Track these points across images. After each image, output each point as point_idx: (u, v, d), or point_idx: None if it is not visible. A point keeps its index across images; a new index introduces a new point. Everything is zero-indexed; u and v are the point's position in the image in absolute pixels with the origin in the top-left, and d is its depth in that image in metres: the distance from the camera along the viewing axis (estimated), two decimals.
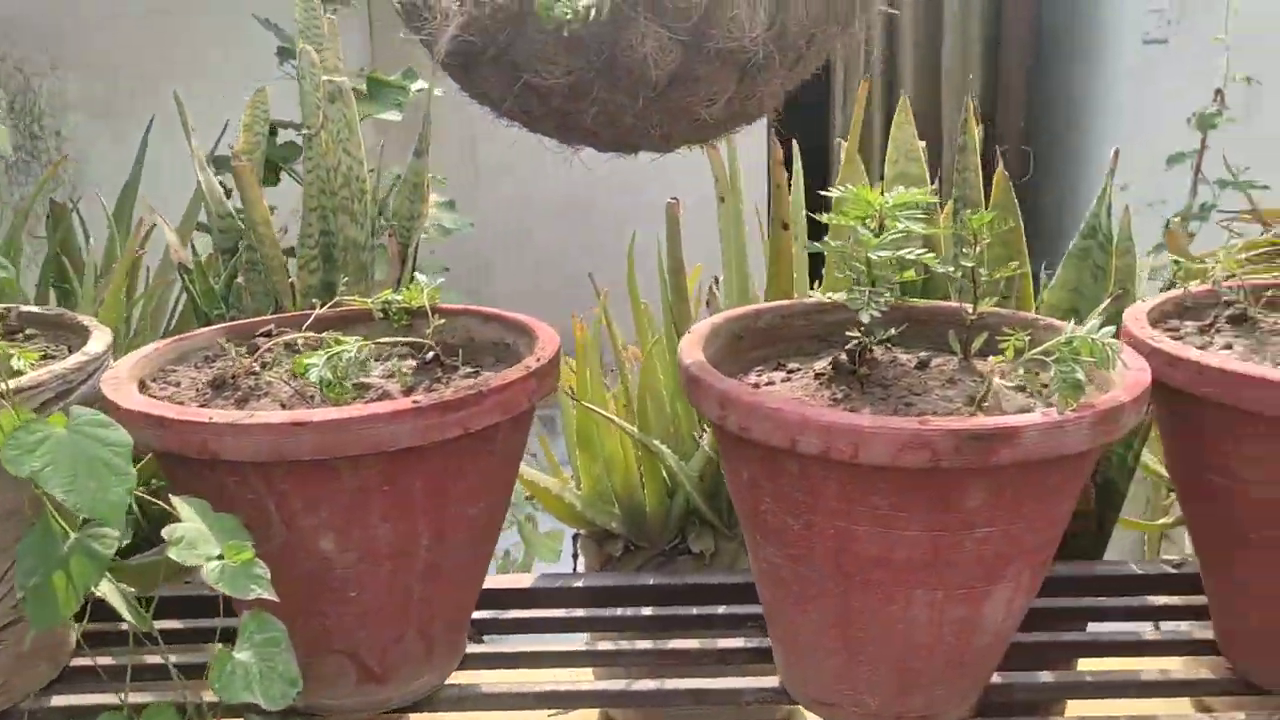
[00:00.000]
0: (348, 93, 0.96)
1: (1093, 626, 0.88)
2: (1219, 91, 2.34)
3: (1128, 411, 0.59)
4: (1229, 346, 0.71)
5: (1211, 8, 2.58)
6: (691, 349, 0.68)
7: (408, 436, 0.61)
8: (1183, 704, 0.83)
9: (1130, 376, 0.62)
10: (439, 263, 2.38)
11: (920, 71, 4.21)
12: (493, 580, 0.90)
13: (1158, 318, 0.77)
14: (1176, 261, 0.86)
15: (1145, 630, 0.81)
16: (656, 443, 0.90)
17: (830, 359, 0.68)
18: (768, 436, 0.60)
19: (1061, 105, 3.79)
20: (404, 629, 0.69)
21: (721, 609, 0.85)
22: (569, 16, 0.47)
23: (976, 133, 0.89)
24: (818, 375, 0.69)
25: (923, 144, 0.99)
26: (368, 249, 1.00)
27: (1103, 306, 0.84)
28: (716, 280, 1.06)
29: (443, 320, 0.78)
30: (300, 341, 0.73)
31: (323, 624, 0.67)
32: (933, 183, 0.96)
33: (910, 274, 0.72)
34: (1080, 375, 0.57)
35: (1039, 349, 0.59)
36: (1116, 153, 0.90)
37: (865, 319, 0.63)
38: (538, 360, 0.68)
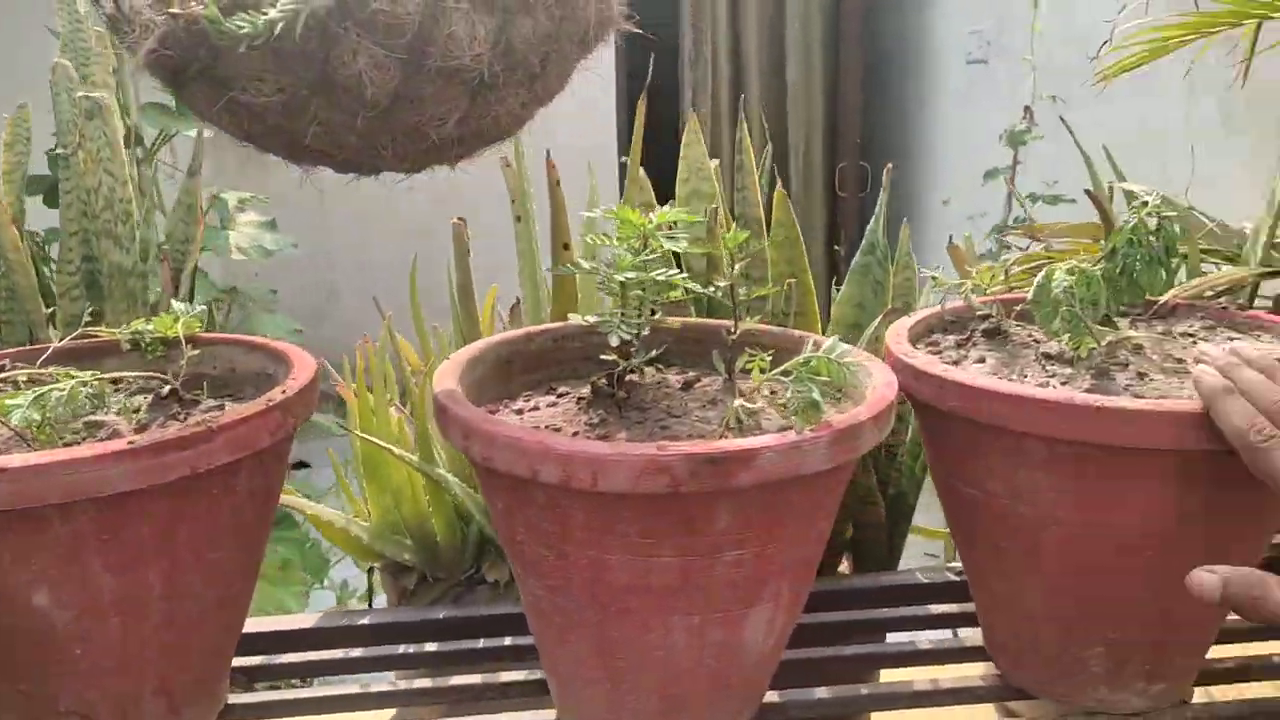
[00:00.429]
0: (109, 109, 0.90)
1: (892, 637, 0.89)
2: (1027, 109, 2.47)
3: (868, 429, 0.60)
4: (982, 360, 0.73)
5: (1026, 29, 2.72)
6: (444, 377, 0.66)
7: (124, 480, 0.56)
8: (987, 710, 0.84)
9: (875, 394, 0.63)
10: (265, 286, 2.29)
11: (767, 95, 4.32)
12: (270, 621, 0.85)
13: (921, 333, 0.79)
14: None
15: (921, 640, 0.82)
16: (440, 471, 0.87)
17: (590, 383, 0.67)
18: (510, 466, 0.58)
19: (896, 123, 3.93)
20: (142, 686, 0.64)
21: (509, 640, 0.82)
22: (245, 31, 0.44)
23: (752, 151, 0.90)
24: (578, 399, 0.68)
25: (715, 162, 0.99)
26: (136, 275, 0.94)
27: (876, 323, 0.86)
28: (518, 301, 1.04)
29: (198, 351, 0.74)
30: (25, 379, 0.68)
31: (46, 686, 0.62)
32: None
33: (676, 294, 0.72)
34: (816, 395, 0.57)
35: (779, 369, 0.59)
36: (889, 169, 0.92)
37: (614, 341, 0.62)
38: (283, 392, 0.65)
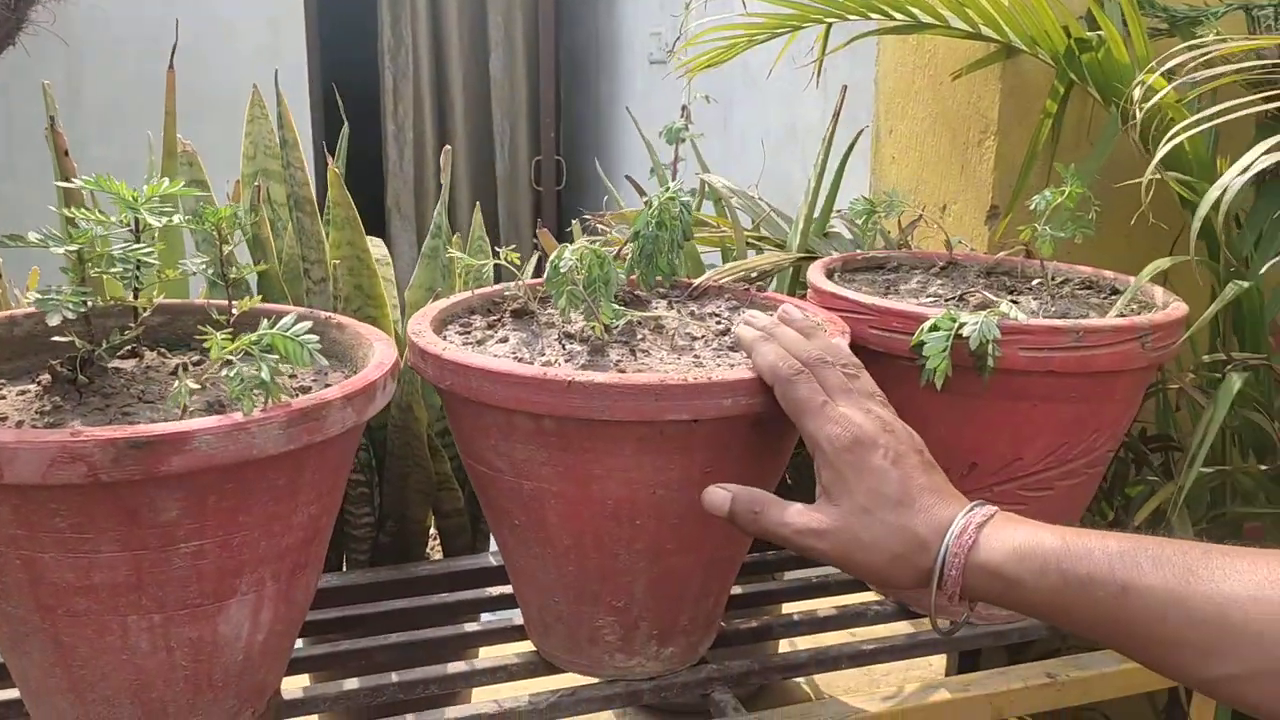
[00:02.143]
0: None
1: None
2: (685, 108, 2.58)
3: (335, 408, 0.58)
4: (505, 340, 0.73)
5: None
6: None
7: None
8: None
9: (361, 374, 0.62)
10: None
11: (469, 86, 4.29)
12: None
13: (456, 314, 0.78)
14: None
15: (469, 625, 0.82)
16: None
17: (48, 367, 0.61)
18: None
19: (590, 120, 4.01)
20: None
21: None
22: None
23: (295, 128, 0.86)
24: (40, 387, 0.62)
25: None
26: None
27: (429, 305, 0.84)
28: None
29: None
30: None
31: None
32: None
33: (171, 272, 0.67)
34: (265, 374, 0.54)
35: (235, 345, 0.56)
36: (448, 151, 0.91)
37: (54, 320, 0.57)
38: None
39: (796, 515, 0.61)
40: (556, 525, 0.68)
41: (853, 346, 0.70)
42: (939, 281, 0.89)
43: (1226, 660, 0.50)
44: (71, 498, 0.52)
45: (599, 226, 1.05)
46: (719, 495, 0.64)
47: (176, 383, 0.59)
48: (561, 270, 0.70)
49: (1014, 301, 0.80)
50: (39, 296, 0.57)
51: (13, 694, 0.70)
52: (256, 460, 0.55)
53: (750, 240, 1.02)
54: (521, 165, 4.23)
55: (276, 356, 0.55)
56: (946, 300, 0.83)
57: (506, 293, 0.79)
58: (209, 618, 0.59)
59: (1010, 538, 0.58)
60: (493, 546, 1.01)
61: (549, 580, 0.71)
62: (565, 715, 0.73)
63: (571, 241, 0.75)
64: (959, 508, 0.60)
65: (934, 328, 0.71)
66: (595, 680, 0.75)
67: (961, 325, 0.70)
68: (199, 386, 0.58)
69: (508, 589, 0.86)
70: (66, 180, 0.69)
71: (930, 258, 0.94)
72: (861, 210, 0.91)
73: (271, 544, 0.60)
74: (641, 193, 1.08)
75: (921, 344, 0.71)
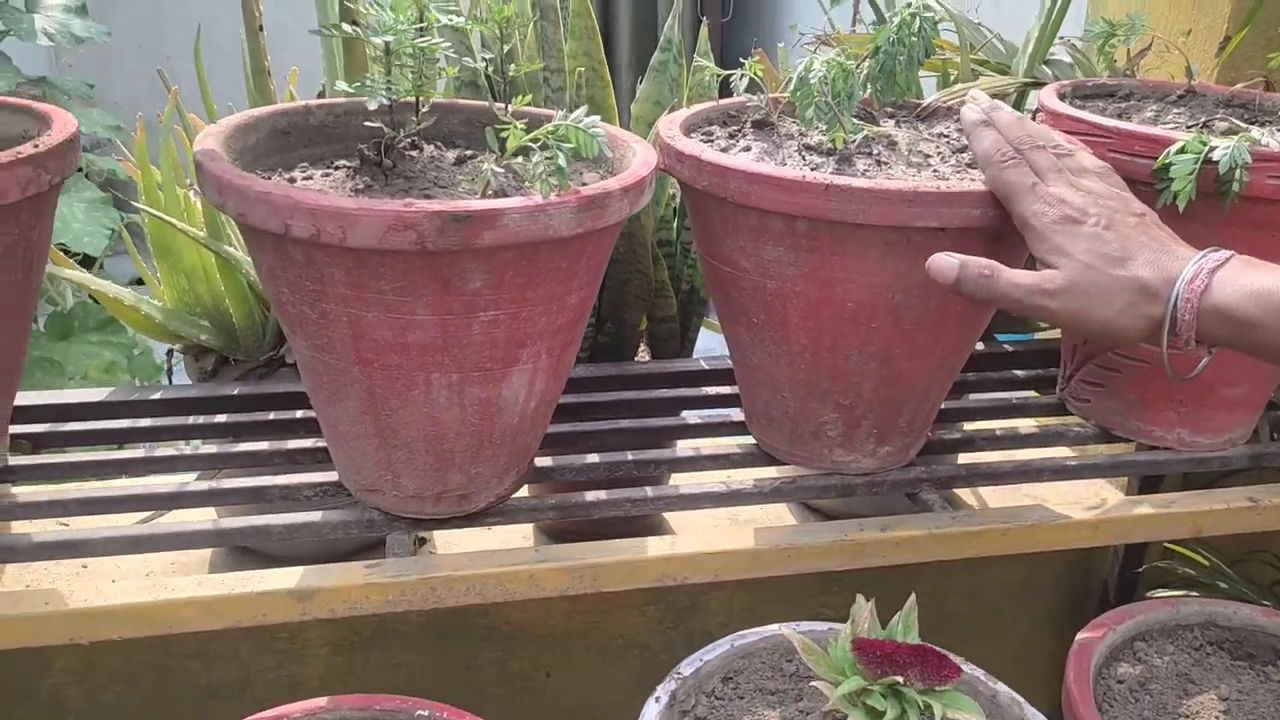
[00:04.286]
0: None
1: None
2: None
3: (615, 199, 0.63)
4: (748, 149, 0.77)
5: None
6: (206, 138, 0.66)
7: None
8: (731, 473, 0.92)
9: (630, 170, 0.66)
10: (81, 80, 2.15)
11: None
12: (58, 394, 0.86)
13: (698, 124, 0.82)
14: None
15: (691, 417, 0.89)
16: (229, 249, 0.87)
17: (358, 152, 0.68)
18: (264, 222, 0.59)
19: None
20: None
21: (299, 413, 0.85)
22: None
23: None
24: (349, 170, 0.69)
25: None
26: None
27: (664, 115, 0.88)
28: (324, 88, 1.02)
29: None
30: None
31: None
32: None
33: (453, 70, 0.72)
34: (562, 161, 0.60)
35: (529, 136, 0.62)
36: None
37: (372, 105, 0.63)
38: (35, 146, 0.64)
39: (1026, 277, 0.63)
40: (796, 324, 0.73)
41: None
42: (1175, 110, 0.88)
43: None
44: (398, 263, 0.60)
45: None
46: (947, 262, 0.64)
47: (479, 168, 0.65)
48: (811, 82, 0.73)
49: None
50: (357, 84, 0.63)
51: (305, 443, 0.81)
52: (549, 240, 0.61)
53: (973, 65, 1.02)
54: None
55: (571, 145, 0.60)
56: (1188, 127, 0.82)
57: (749, 104, 0.82)
58: (495, 381, 0.67)
59: (1248, 280, 0.59)
60: (698, 350, 1.07)
61: (780, 377, 0.77)
62: (785, 499, 0.80)
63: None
64: (1191, 255, 0.62)
65: (1182, 150, 0.71)
66: (813, 471, 0.81)
67: (1212, 149, 0.70)
68: (501, 171, 0.64)
69: (720, 389, 0.93)
70: None
71: (1166, 87, 0.92)
72: (1101, 33, 0.89)
73: (550, 320, 0.67)
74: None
75: (1166, 166, 0.72)
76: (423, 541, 1.06)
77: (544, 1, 0.90)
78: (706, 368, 0.97)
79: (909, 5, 0.79)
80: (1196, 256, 0.62)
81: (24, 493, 0.73)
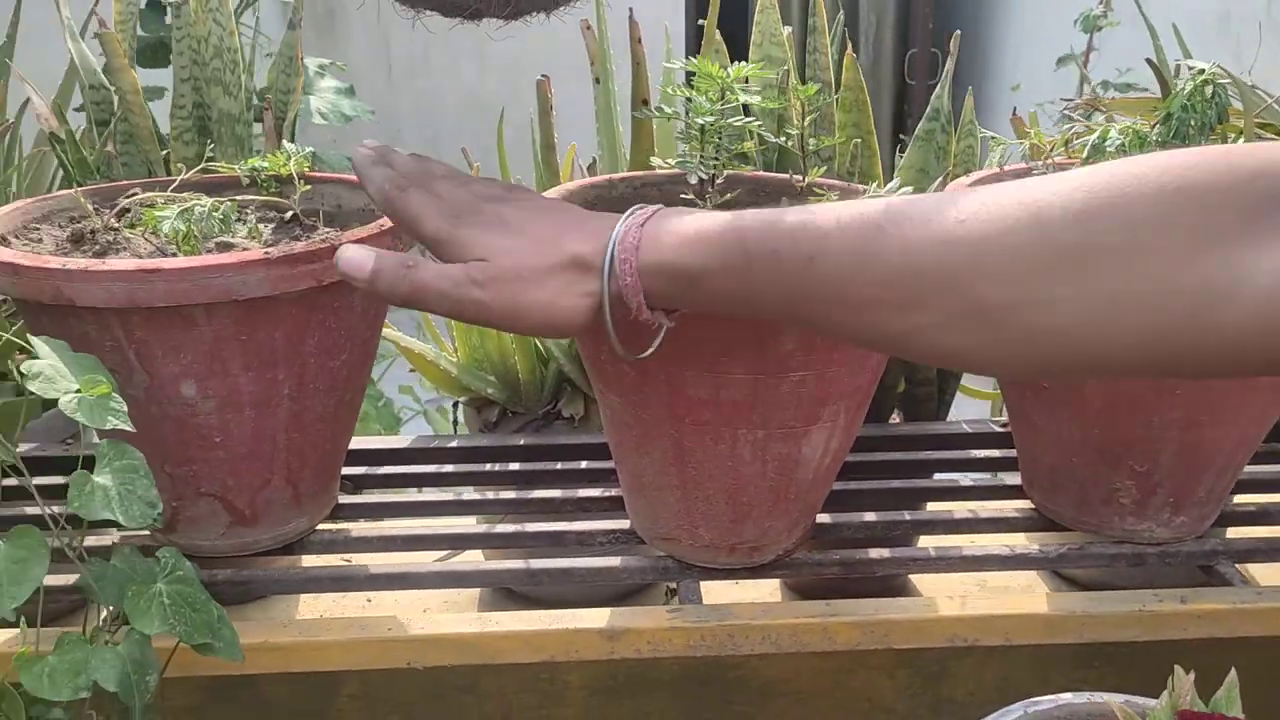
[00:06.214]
0: None
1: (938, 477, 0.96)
2: None
3: None
4: None
5: None
6: None
7: (259, 286, 0.64)
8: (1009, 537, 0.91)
9: None
10: (341, 154, 2.35)
11: None
12: (370, 440, 0.95)
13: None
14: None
15: (961, 479, 0.89)
16: None
17: None
18: None
19: (968, 10, 3.84)
20: (270, 475, 0.73)
21: (584, 464, 0.91)
22: None
23: (825, 14, 0.93)
24: None
25: (788, 29, 1.02)
26: (243, 122, 1.01)
27: (935, 184, 0.90)
28: (595, 159, 1.10)
29: (309, 187, 0.81)
30: (161, 203, 0.75)
31: (191, 468, 0.71)
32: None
33: (749, 145, 0.77)
34: None
35: None
36: (956, 36, 0.95)
37: (693, 179, 0.68)
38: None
39: (457, 268, 0.55)
40: (1092, 388, 0.72)
41: None
42: None
43: (923, 310, 0.48)
44: (720, 327, 0.64)
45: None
46: (359, 255, 0.56)
47: None
48: (1108, 150, 0.73)
49: None
50: (680, 159, 0.68)
51: (593, 491, 0.86)
52: None
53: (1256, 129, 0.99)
54: (886, 57, 4.15)
55: None
56: None
57: (1034, 170, 0.83)
58: (797, 438, 0.70)
59: (680, 226, 0.54)
60: (953, 415, 1.07)
61: (1069, 439, 0.76)
62: (1071, 566, 0.79)
63: None
64: (616, 218, 0.56)
65: None
66: (1099, 538, 0.80)
67: None
68: None
69: (986, 452, 0.93)
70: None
71: None
72: None
73: (851, 380, 0.70)
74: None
75: None
76: (673, 593, 1.10)
77: (819, 76, 0.94)
78: (969, 430, 0.97)
79: (1201, 72, 0.78)
80: (625, 215, 0.56)
81: (355, 528, 0.81)
